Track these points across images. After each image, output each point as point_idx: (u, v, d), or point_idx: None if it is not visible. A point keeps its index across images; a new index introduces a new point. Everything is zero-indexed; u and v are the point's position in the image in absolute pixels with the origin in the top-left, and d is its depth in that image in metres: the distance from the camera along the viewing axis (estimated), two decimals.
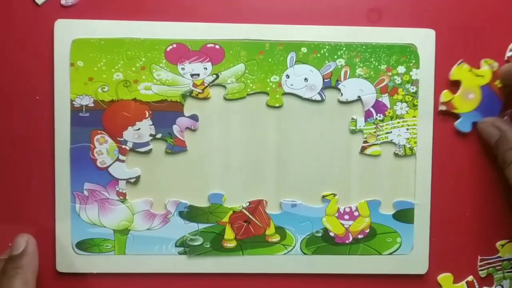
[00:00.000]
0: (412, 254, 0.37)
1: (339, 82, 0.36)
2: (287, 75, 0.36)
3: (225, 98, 0.36)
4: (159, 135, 0.35)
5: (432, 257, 0.37)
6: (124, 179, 0.36)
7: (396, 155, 0.36)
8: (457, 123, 0.36)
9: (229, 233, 0.36)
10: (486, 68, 0.36)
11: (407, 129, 0.36)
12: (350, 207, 0.36)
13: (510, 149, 0.34)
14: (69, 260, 0.36)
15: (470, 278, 0.37)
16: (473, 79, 0.36)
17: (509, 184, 0.34)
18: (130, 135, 0.35)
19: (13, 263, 0.33)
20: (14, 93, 0.35)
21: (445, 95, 0.36)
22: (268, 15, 0.36)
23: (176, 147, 0.36)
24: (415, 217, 0.36)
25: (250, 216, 0.36)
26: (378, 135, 0.36)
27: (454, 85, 0.36)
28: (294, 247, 0.36)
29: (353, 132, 0.36)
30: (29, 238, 0.34)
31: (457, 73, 0.36)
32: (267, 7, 0.36)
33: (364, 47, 0.36)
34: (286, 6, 0.36)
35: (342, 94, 0.36)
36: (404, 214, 0.36)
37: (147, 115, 0.35)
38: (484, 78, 0.36)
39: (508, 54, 0.36)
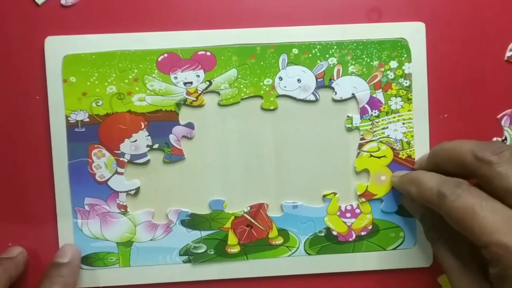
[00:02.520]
0: (416, 248, 0.37)
1: (332, 81, 0.36)
2: (280, 77, 0.36)
3: (219, 104, 0.36)
4: (156, 146, 0.36)
5: None
6: (124, 192, 0.36)
7: (393, 150, 0.36)
8: (382, 207, 0.36)
9: (232, 239, 0.36)
10: (384, 148, 0.36)
11: (403, 123, 0.36)
12: (352, 205, 0.36)
13: (429, 230, 0.34)
14: None
15: None
16: (378, 162, 0.36)
17: None
18: (127, 147, 0.35)
19: (57, 270, 0.34)
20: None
21: (360, 188, 0.36)
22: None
23: (174, 156, 0.36)
24: None
25: (252, 220, 0.36)
26: (374, 131, 0.36)
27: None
28: (298, 248, 0.36)
29: (349, 130, 0.36)
30: (75, 250, 0.35)
31: (360, 164, 0.36)
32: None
33: (355, 44, 0.36)
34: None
35: (336, 92, 0.36)
36: (406, 209, 0.36)
37: (142, 126, 0.35)
38: (387, 157, 0.36)
39: (508, 53, 0.36)
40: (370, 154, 0.36)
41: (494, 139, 0.37)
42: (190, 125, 0.36)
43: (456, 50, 0.36)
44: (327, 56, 0.35)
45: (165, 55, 0.35)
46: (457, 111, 0.37)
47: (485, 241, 0.26)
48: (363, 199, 0.36)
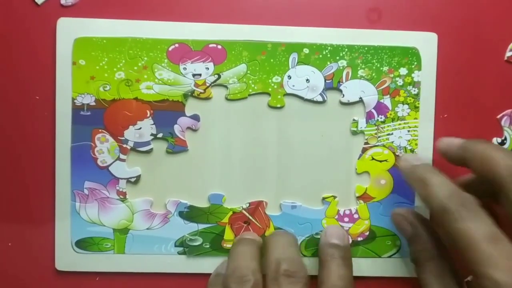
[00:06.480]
0: None
1: (340, 83, 0.36)
2: (288, 76, 0.36)
3: (226, 98, 0.36)
4: (160, 135, 0.35)
5: None
6: (124, 178, 0.35)
7: (395, 155, 0.36)
8: (380, 211, 0.36)
9: (228, 234, 0.36)
10: (387, 152, 0.36)
11: (408, 131, 0.36)
12: (350, 210, 0.36)
13: (422, 250, 0.33)
14: (69, 258, 0.36)
15: (469, 278, 0.37)
16: (379, 166, 0.36)
17: None
18: (131, 134, 0.35)
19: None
20: (15, 91, 0.35)
21: (359, 189, 0.36)
22: (270, 16, 0.36)
23: (177, 147, 0.36)
24: None
25: (250, 217, 0.36)
26: (379, 137, 0.36)
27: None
28: None
29: (354, 133, 0.36)
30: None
31: (361, 166, 0.36)
32: (269, 8, 0.36)
33: (366, 48, 0.36)
34: (288, 7, 0.36)
35: (343, 95, 0.36)
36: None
37: (148, 115, 0.35)
38: (388, 162, 0.36)
39: (508, 54, 0.36)
40: (372, 157, 0.36)
41: (494, 139, 0.37)
42: (195, 117, 0.36)
43: (460, 55, 0.36)
44: (338, 58, 0.36)
45: (176, 45, 0.35)
46: (457, 111, 0.37)
47: (479, 272, 0.26)
48: (361, 201, 0.36)
